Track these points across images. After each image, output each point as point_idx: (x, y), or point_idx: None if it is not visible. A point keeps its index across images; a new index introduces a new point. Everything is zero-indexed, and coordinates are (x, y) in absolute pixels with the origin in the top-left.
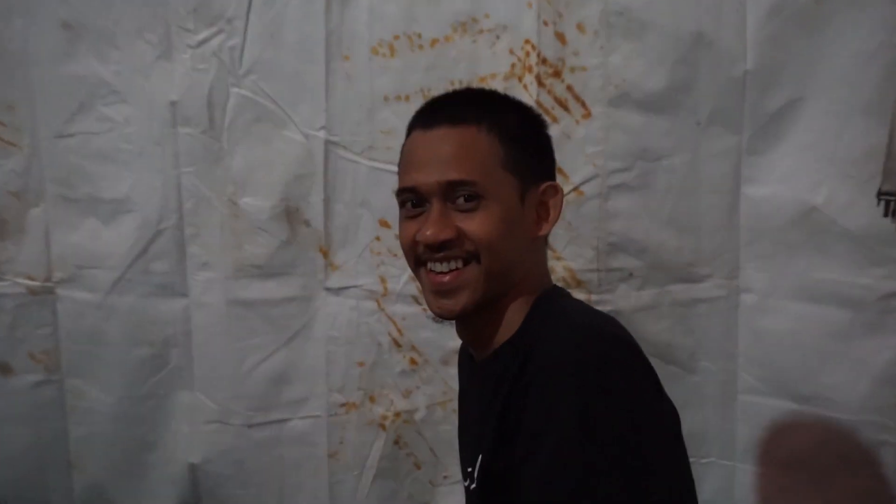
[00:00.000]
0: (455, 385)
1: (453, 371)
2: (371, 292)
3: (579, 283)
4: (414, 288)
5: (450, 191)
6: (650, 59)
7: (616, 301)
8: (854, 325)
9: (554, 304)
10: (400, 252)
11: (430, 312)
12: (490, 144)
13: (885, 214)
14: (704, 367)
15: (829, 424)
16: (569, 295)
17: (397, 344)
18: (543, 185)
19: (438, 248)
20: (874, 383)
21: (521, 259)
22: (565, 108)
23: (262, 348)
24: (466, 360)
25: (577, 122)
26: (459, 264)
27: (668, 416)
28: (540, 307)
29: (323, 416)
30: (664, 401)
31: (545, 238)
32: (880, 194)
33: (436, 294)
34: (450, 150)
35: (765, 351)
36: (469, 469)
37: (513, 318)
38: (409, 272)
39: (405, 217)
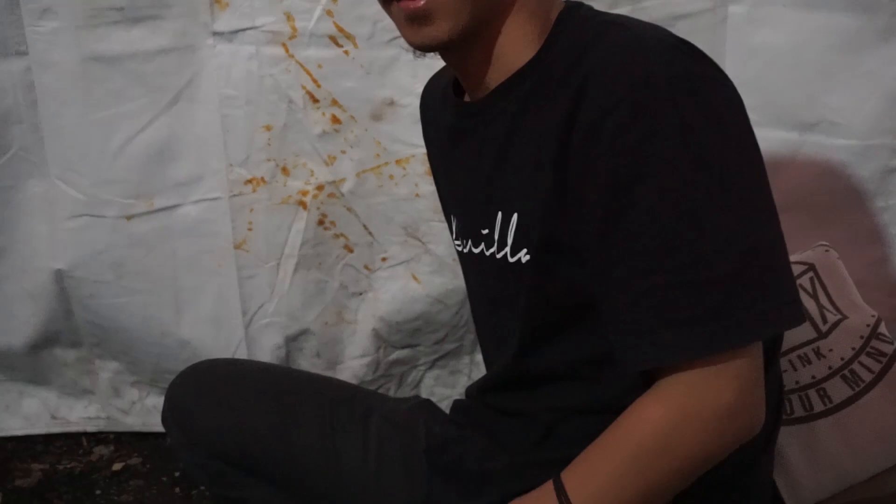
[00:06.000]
0: (390, 145)
1: (387, 128)
2: (275, 34)
3: None
4: (332, 25)
5: None
6: None
7: None
8: (864, 33)
9: (591, 17)
10: None
11: (408, 46)
12: None
13: None
14: None
15: (833, 154)
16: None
17: (314, 98)
18: None
19: None
20: (887, 101)
21: None
22: None
23: (134, 117)
24: (440, 105)
25: None
26: None
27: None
28: (570, 21)
29: (223, 197)
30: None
31: None
32: None
33: (410, 21)
34: None
35: (758, 72)
36: (485, 231)
37: (524, 37)
38: (322, 4)
39: None
